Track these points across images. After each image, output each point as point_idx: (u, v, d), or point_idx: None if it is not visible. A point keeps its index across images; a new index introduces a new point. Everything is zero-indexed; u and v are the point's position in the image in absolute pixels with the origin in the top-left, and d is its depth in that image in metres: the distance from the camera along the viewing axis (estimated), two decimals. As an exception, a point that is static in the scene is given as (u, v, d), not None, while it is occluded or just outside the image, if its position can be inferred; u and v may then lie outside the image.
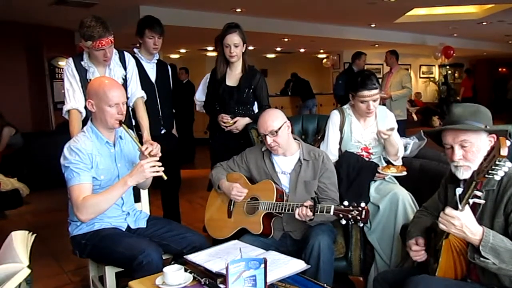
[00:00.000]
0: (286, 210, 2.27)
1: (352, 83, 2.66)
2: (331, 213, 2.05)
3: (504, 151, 1.37)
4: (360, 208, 1.99)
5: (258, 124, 2.44)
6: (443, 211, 1.57)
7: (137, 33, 3.32)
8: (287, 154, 2.48)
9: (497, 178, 1.44)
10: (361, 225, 2.04)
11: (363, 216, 1.98)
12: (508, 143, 1.40)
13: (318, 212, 2.10)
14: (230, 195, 2.48)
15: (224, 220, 2.55)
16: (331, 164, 2.49)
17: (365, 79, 2.58)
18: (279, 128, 2.37)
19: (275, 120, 2.38)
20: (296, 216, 2.18)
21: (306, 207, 2.13)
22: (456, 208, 1.55)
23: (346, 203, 2.04)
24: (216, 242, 2.44)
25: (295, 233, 2.41)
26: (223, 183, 2.53)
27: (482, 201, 1.57)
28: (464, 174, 1.73)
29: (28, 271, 1.44)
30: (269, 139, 2.37)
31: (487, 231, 1.53)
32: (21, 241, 1.54)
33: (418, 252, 1.83)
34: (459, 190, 1.58)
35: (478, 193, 1.52)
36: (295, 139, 2.52)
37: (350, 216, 2.00)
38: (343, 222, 2.04)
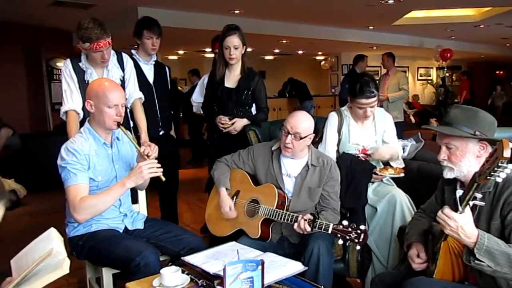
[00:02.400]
0: (285, 220, 2.26)
1: (351, 88, 2.65)
2: (329, 231, 2.04)
3: (507, 153, 1.37)
4: (359, 231, 1.96)
5: (288, 119, 2.36)
6: (442, 210, 1.57)
7: (135, 34, 3.31)
8: (295, 157, 2.45)
9: (499, 180, 1.44)
10: (358, 248, 2.02)
11: (361, 240, 1.95)
12: (511, 145, 1.39)
13: (317, 228, 2.09)
14: (221, 208, 2.48)
15: (224, 218, 2.54)
16: (337, 173, 2.46)
17: (364, 86, 2.55)
18: (304, 137, 2.34)
19: (306, 127, 2.33)
20: (295, 227, 2.18)
21: (306, 220, 2.12)
22: (455, 209, 1.55)
23: (345, 222, 2.01)
24: (213, 243, 2.44)
25: (293, 237, 2.40)
26: (222, 193, 2.50)
27: (482, 203, 1.57)
28: (448, 174, 1.77)
29: (69, 261, 1.49)
30: (289, 138, 2.33)
31: (482, 234, 1.53)
32: (58, 236, 1.57)
33: (420, 264, 1.83)
34: (459, 192, 1.59)
35: (478, 195, 1.52)
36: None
37: (348, 237, 1.98)
38: (340, 242, 2.01)
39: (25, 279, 1.46)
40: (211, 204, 2.67)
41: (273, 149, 2.51)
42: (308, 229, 2.11)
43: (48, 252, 1.48)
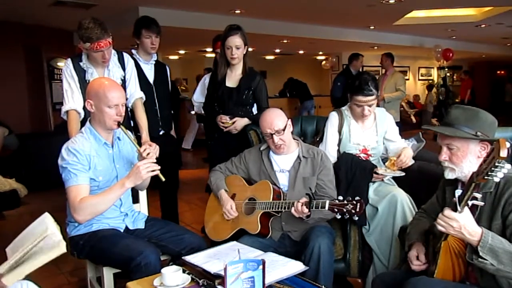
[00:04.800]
0: (283, 209, 2.27)
1: (350, 85, 2.66)
2: (326, 208, 2.06)
3: (503, 153, 1.37)
4: (354, 202, 2.00)
5: (261, 123, 2.44)
6: (442, 213, 1.57)
7: (134, 34, 3.31)
8: (287, 152, 2.49)
9: (496, 179, 1.45)
10: (356, 218, 2.03)
11: (357, 210, 1.99)
12: (507, 144, 1.39)
13: (314, 207, 2.11)
14: (223, 208, 2.50)
15: (223, 222, 2.55)
16: (329, 162, 2.51)
17: (363, 83, 2.56)
18: (285, 127, 2.39)
19: (280, 120, 2.40)
20: (293, 212, 2.19)
21: (302, 204, 2.14)
22: (455, 209, 1.55)
23: (341, 197, 2.06)
24: (214, 243, 2.44)
25: (294, 234, 2.41)
26: (222, 194, 2.54)
27: (481, 203, 1.57)
28: (449, 174, 1.77)
29: (64, 242, 1.52)
30: (276, 138, 2.38)
31: (486, 232, 1.53)
32: (52, 220, 1.59)
33: (419, 266, 1.83)
34: (458, 192, 1.59)
35: (477, 195, 1.52)
36: (294, 138, 2.53)
37: (345, 210, 2.01)
38: (338, 216, 2.05)
39: (23, 260, 1.47)
40: (210, 210, 2.69)
41: (261, 149, 2.56)
42: (306, 210, 2.13)
43: (44, 232, 1.50)
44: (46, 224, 1.56)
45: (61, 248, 1.51)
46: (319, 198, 2.38)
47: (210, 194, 2.71)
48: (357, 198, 2.01)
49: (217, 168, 2.68)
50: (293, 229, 2.40)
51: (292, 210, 2.19)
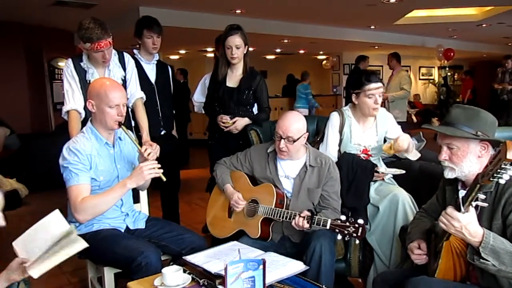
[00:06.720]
0: (284, 218, 2.25)
1: (355, 82, 2.68)
2: (327, 227, 2.05)
3: (510, 155, 1.36)
4: (357, 225, 1.97)
5: (278, 122, 2.34)
6: (445, 211, 1.57)
7: (135, 34, 3.31)
8: (293, 158, 2.43)
9: (502, 181, 1.43)
10: (357, 242, 2.02)
11: (359, 234, 1.97)
12: None
13: (315, 224, 2.09)
14: (230, 201, 2.48)
15: (225, 219, 2.55)
16: (336, 173, 2.44)
17: (370, 74, 2.63)
18: (298, 139, 2.32)
19: (298, 129, 2.31)
20: (293, 224, 2.17)
21: (303, 218, 2.13)
22: (458, 209, 1.55)
23: (343, 217, 2.02)
24: (215, 243, 2.44)
25: (294, 236, 2.40)
26: (228, 188, 2.52)
27: (485, 204, 1.56)
28: (449, 174, 1.77)
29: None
30: (282, 143, 2.31)
31: (488, 233, 1.53)
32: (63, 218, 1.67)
33: (420, 255, 1.83)
34: (462, 193, 1.58)
35: (482, 196, 1.52)
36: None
37: (346, 232, 1.99)
38: (339, 237, 2.02)
39: (47, 256, 1.55)
40: (212, 206, 2.67)
41: (268, 151, 2.50)
42: (306, 225, 2.12)
43: (70, 229, 1.59)
44: (59, 220, 1.61)
45: (82, 243, 1.60)
46: (322, 209, 2.37)
47: (214, 188, 2.69)
48: (360, 221, 1.97)
49: (222, 161, 2.65)
50: (293, 233, 2.38)
51: (293, 223, 2.17)
